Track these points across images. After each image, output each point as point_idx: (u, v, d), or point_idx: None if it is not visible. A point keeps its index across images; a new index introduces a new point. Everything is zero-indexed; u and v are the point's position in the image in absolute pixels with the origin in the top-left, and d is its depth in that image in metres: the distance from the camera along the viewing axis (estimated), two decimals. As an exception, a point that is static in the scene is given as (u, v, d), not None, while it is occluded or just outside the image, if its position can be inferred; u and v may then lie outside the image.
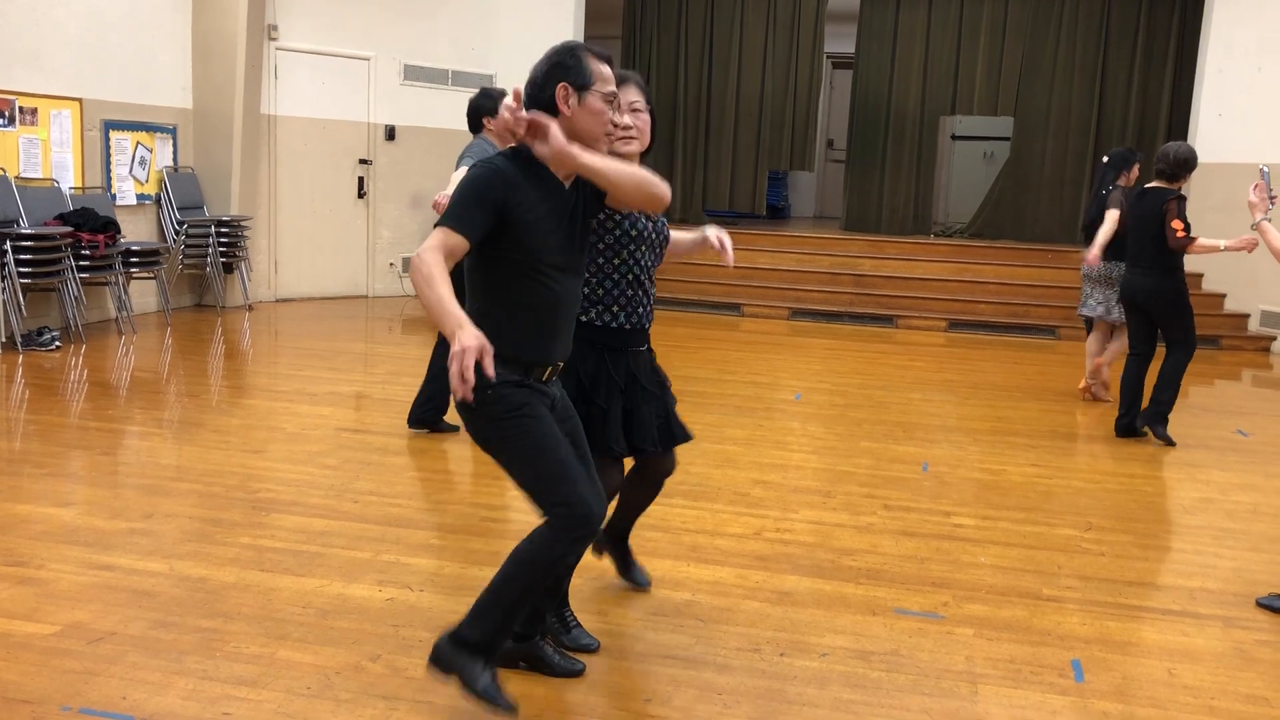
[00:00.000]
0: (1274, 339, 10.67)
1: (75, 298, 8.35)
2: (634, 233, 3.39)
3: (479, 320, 2.78)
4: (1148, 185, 6.68)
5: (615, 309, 3.40)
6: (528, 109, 2.90)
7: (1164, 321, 6.63)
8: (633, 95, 3.36)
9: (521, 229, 2.83)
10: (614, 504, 3.65)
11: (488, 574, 3.95)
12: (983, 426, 6.90)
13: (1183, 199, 6.46)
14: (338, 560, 4.13)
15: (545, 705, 3.11)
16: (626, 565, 4.00)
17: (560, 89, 2.90)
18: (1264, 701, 3.36)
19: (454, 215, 2.79)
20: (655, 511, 4.77)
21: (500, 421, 2.88)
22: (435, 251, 2.72)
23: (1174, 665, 3.58)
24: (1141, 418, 6.67)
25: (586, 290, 3.38)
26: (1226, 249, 6.24)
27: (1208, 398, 8.59)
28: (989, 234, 13.26)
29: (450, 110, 10.55)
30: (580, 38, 12.51)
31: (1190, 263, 11.65)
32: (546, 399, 2.98)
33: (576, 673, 3.27)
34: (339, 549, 4.25)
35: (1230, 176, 10.16)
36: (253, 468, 5.32)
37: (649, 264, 3.45)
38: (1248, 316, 10.96)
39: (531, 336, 2.92)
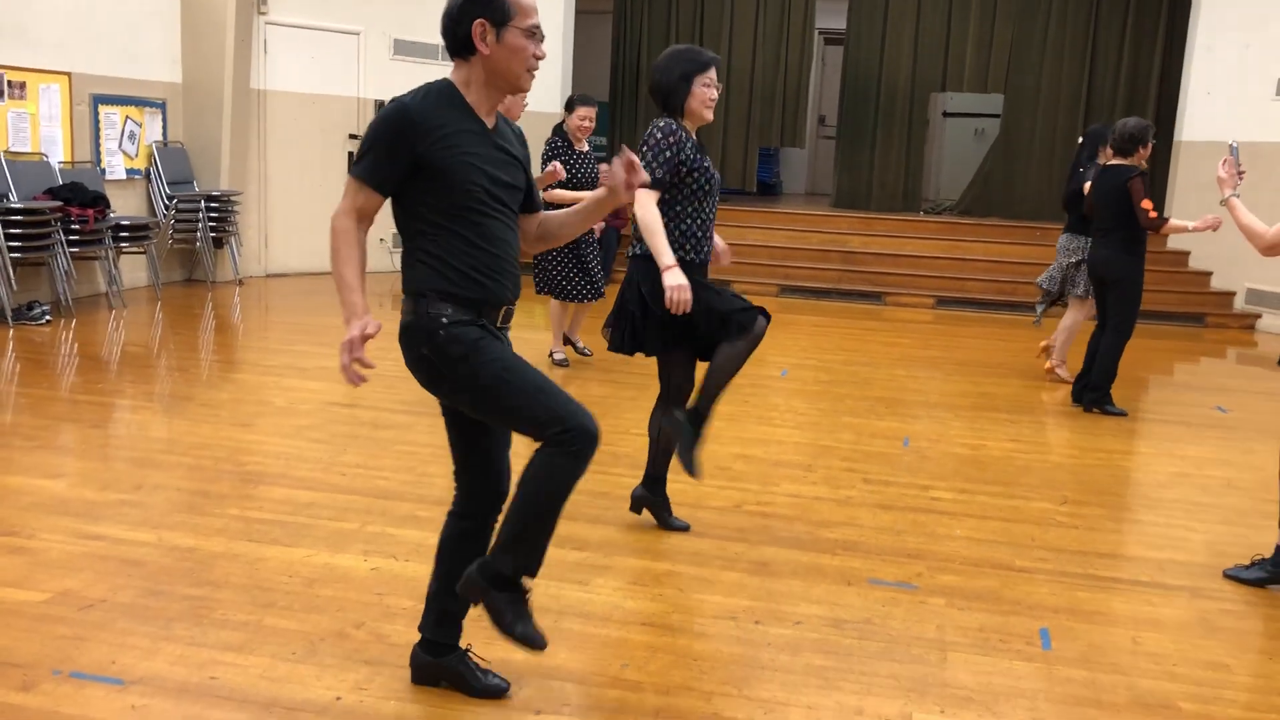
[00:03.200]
0: (1259, 317, 10.76)
1: (65, 272, 8.39)
2: (710, 184, 4.10)
3: (420, 262, 2.74)
4: (1109, 162, 6.75)
5: (700, 245, 4.13)
6: (447, 49, 2.78)
7: (1107, 295, 6.78)
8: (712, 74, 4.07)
9: (443, 165, 2.69)
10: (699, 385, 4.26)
11: (471, 544, 4.03)
12: (965, 402, 6.99)
13: (1144, 175, 6.54)
14: (324, 531, 4.21)
15: (525, 669, 3.19)
16: (664, 514, 4.45)
17: (477, 25, 2.70)
18: (1224, 668, 3.46)
19: (363, 166, 2.70)
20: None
21: (463, 360, 2.73)
22: (346, 217, 2.69)
23: (1139, 634, 3.67)
24: (1085, 403, 6.82)
25: (675, 231, 4.03)
26: (1194, 229, 6.38)
27: (1190, 375, 8.69)
28: (978, 211, 13.32)
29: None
30: (571, 14, 12.50)
31: (1176, 241, 11.84)
32: (490, 334, 2.82)
33: (500, 691, 3.04)
34: (326, 520, 4.32)
35: (1218, 154, 10.16)
36: (241, 441, 5.39)
37: (714, 210, 4.20)
38: (1233, 294, 11.06)
39: (476, 273, 2.77)
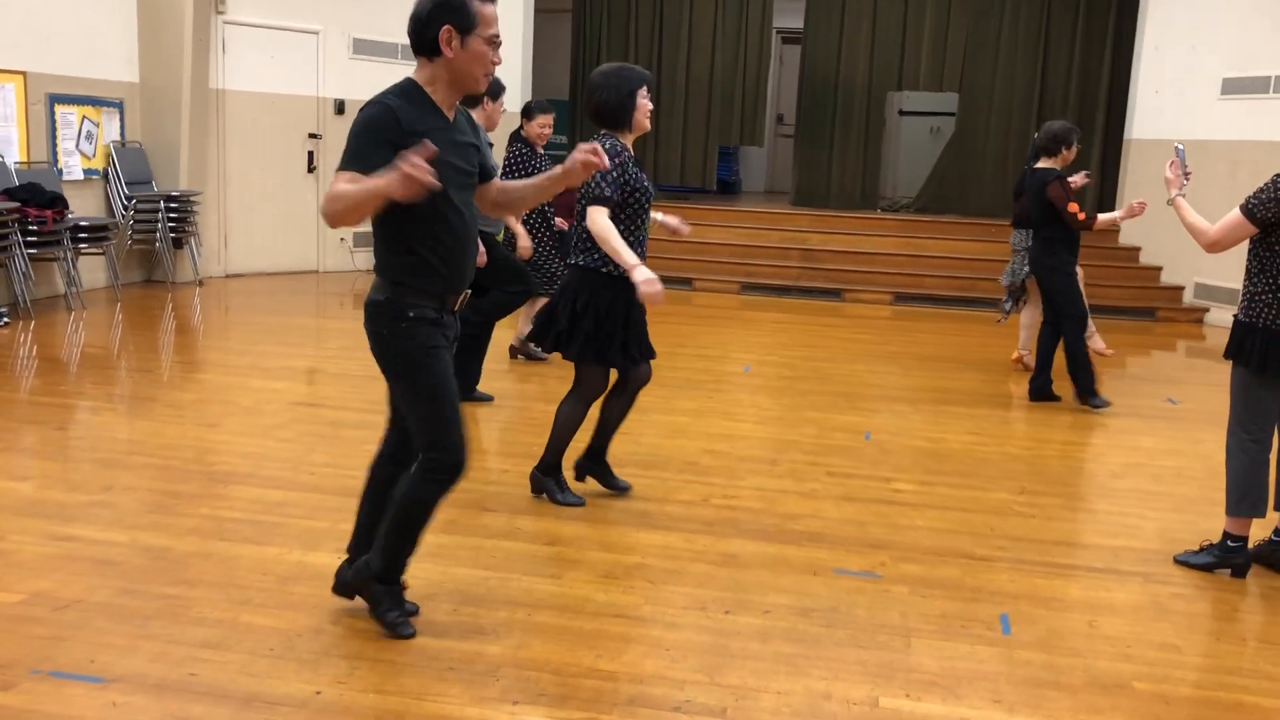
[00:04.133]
0: (1207, 310, 11.01)
1: (23, 274, 8.31)
2: (647, 200, 4.35)
3: (395, 260, 3.04)
4: (1036, 164, 6.93)
5: (639, 253, 4.27)
6: (412, 47, 3.01)
7: (1050, 290, 6.95)
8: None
9: None
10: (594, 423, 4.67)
11: (442, 540, 4.11)
12: (924, 396, 7.12)
13: (1063, 178, 6.74)
14: (296, 529, 4.24)
15: (500, 660, 3.25)
16: (608, 477, 4.80)
17: (444, 30, 2.93)
18: (1175, 649, 3.59)
19: (354, 156, 2.91)
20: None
21: (409, 357, 3.10)
22: (338, 185, 2.85)
23: (1095, 618, 3.80)
24: (1078, 398, 6.96)
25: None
26: (1122, 218, 6.75)
27: (1142, 367, 8.90)
28: (935, 209, 13.51)
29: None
30: (531, 12, 12.54)
31: (1127, 238, 12.09)
32: (450, 333, 3.19)
33: (401, 629, 3.35)
34: (297, 519, 4.35)
35: (1166, 153, 10.38)
36: (209, 441, 5.39)
37: (648, 221, 4.44)
38: (1183, 289, 11.31)
39: (447, 265, 3.09)
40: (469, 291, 3.25)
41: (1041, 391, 7.03)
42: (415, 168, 2.70)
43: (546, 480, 4.68)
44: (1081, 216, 6.62)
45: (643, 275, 4.11)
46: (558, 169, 3.24)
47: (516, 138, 7.15)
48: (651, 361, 4.62)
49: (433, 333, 3.12)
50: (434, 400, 3.13)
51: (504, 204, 3.45)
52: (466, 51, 2.98)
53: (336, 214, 2.86)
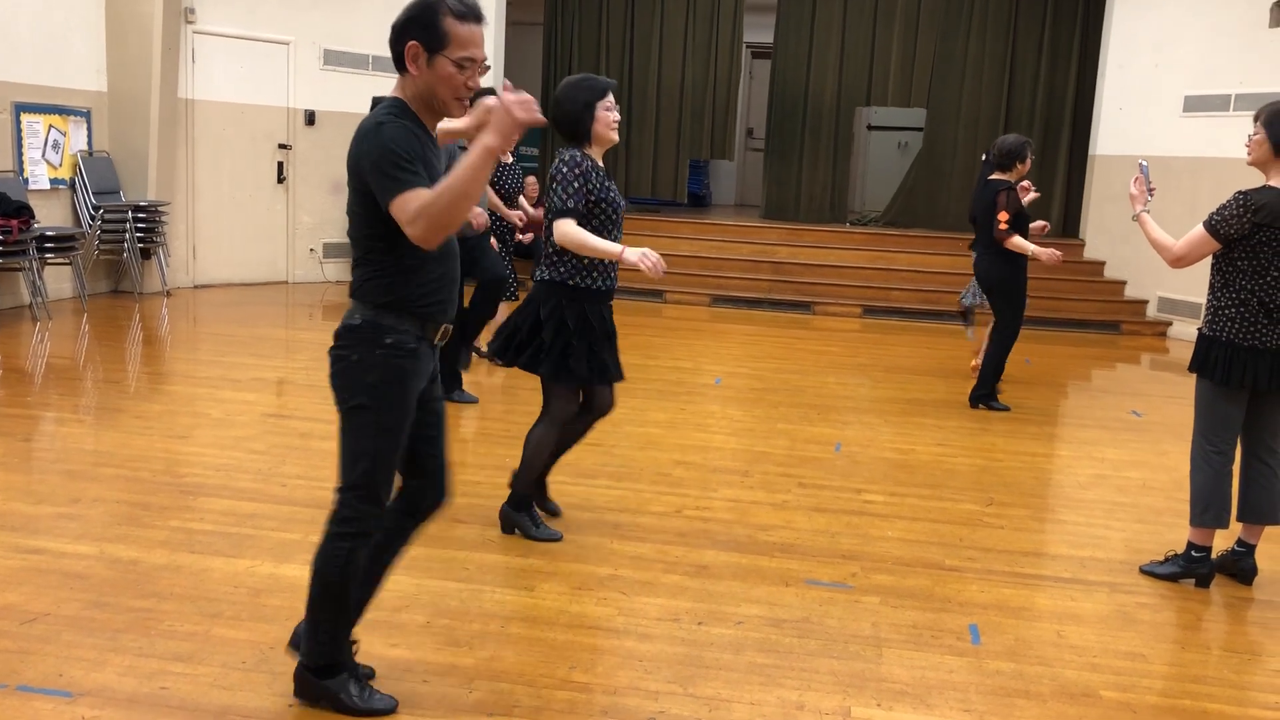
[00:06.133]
0: (1170, 324, 11.17)
1: (-12, 283, 8.21)
2: (617, 213, 4.27)
3: (380, 278, 2.80)
4: (990, 177, 7.07)
5: (607, 273, 4.27)
6: (392, 58, 2.80)
7: (992, 302, 7.17)
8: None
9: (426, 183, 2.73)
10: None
11: (415, 553, 4.09)
12: (894, 408, 7.18)
13: (1011, 190, 6.90)
14: (268, 542, 4.22)
15: (474, 674, 3.25)
16: (542, 499, 4.66)
17: (410, 46, 2.73)
18: (1141, 658, 3.64)
19: (413, 175, 2.67)
20: (579, 492, 4.96)
21: (373, 388, 2.82)
22: (419, 194, 2.64)
23: (1062, 628, 3.85)
24: (972, 400, 7.20)
25: (584, 261, 4.18)
26: (1034, 256, 6.81)
27: (1106, 380, 9.01)
28: (903, 222, 13.62)
29: (371, 95, 10.48)
30: (502, 24, 12.56)
31: (1092, 252, 12.25)
32: (427, 367, 2.93)
33: (389, 709, 3.03)
34: (269, 531, 4.33)
35: (1130, 168, 10.56)
36: (178, 453, 5.36)
37: (620, 234, 4.33)
38: (1146, 303, 11.47)
39: (435, 291, 2.87)
40: (449, 326, 2.98)
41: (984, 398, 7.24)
42: (524, 101, 2.57)
43: (519, 516, 4.45)
44: (1004, 227, 6.76)
45: (635, 254, 4.01)
46: (486, 134, 2.66)
47: None
48: (620, 378, 4.40)
49: (407, 366, 2.86)
50: (383, 436, 2.85)
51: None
52: (432, 71, 2.74)
53: (444, 213, 2.61)
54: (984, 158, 8.37)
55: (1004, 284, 7.02)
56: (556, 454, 4.59)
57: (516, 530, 4.46)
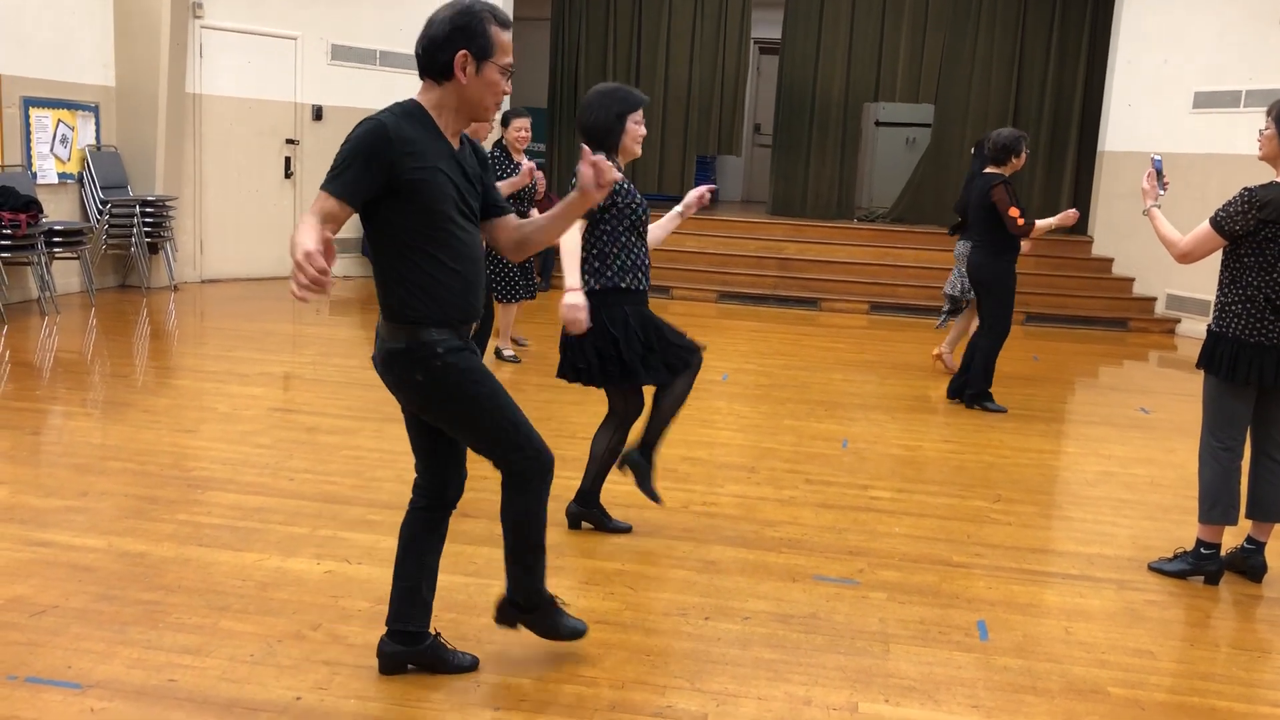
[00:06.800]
0: (1178, 321, 11.14)
1: (-4, 277, 8.24)
2: (644, 216, 4.25)
3: (401, 287, 2.86)
4: (984, 170, 7.03)
5: (640, 274, 4.25)
6: (420, 68, 2.88)
7: (981, 298, 7.11)
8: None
9: (416, 184, 2.79)
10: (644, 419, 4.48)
11: (424, 546, 4.08)
12: (900, 405, 7.17)
13: (1009, 184, 6.84)
14: (275, 535, 4.22)
15: (483, 667, 3.25)
16: (604, 520, 4.54)
17: (460, 56, 2.81)
18: (1149, 655, 3.63)
19: (338, 180, 2.73)
20: (586, 486, 4.93)
21: (459, 386, 2.92)
22: (311, 216, 2.67)
23: (1071, 624, 3.84)
24: (966, 400, 7.14)
25: (617, 263, 4.16)
26: (1056, 224, 6.87)
27: (1114, 377, 8.99)
28: (910, 219, 13.59)
29: (378, 90, 10.56)
30: (510, 19, 12.52)
31: (1100, 249, 12.21)
32: (477, 357, 3.03)
33: (469, 667, 3.23)
34: (276, 525, 4.34)
35: (1139, 165, 10.57)
36: (185, 447, 5.36)
37: (646, 236, 4.34)
38: (1155, 300, 11.44)
39: (456, 292, 2.90)
40: (478, 322, 3.13)
41: (959, 390, 7.21)
42: (298, 273, 2.44)
43: (591, 512, 4.50)
44: (1021, 222, 6.74)
45: (572, 299, 3.99)
46: (573, 194, 2.95)
47: (497, 145, 7.20)
48: (683, 367, 4.36)
49: (468, 356, 2.96)
50: (498, 411, 2.98)
51: (523, 242, 3.14)
52: (481, 79, 2.84)
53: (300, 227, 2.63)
54: (973, 150, 8.36)
55: (995, 282, 6.94)
56: (602, 468, 4.51)
57: (585, 524, 4.53)
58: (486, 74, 2.86)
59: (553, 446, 3.15)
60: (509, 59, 2.90)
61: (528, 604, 3.25)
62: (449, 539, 4.22)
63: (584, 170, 2.87)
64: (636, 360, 4.18)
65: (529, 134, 7.25)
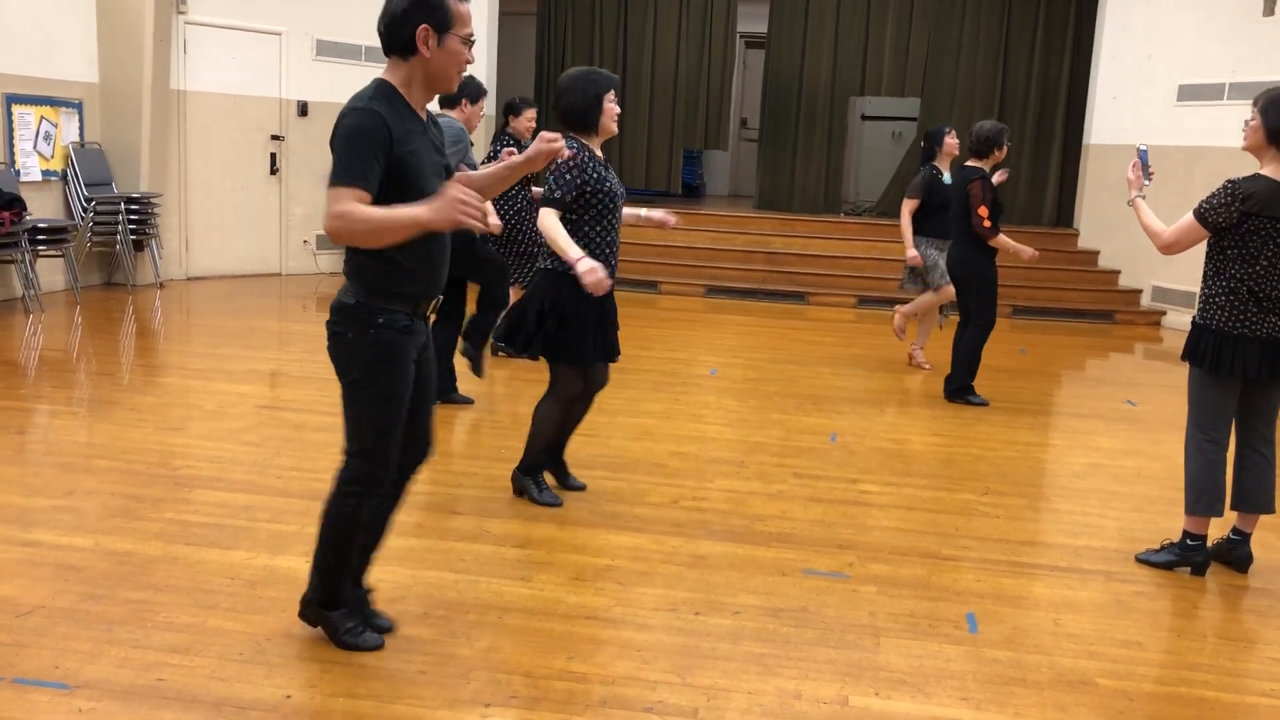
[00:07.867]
0: (1164, 313, 11.19)
1: (-20, 276, 8.18)
2: (615, 202, 4.39)
3: (370, 264, 2.96)
4: (965, 163, 7.01)
5: (607, 261, 4.36)
6: (384, 47, 2.96)
7: (963, 292, 7.07)
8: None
9: (407, 166, 2.90)
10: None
11: (411, 543, 4.10)
12: (888, 398, 7.18)
13: (987, 179, 6.83)
14: (264, 533, 4.21)
15: (471, 663, 3.25)
16: (564, 476, 4.88)
17: (421, 30, 2.89)
18: (1138, 646, 3.65)
19: (348, 170, 2.83)
20: (575, 482, 4.94)
21: (369, 365, 3.02)
22: (343, 206, 2.80)
23: (1059, 616, 3.85)
24: (948, 394, 7.11)
25: (587, 247, 4.26)
26: (1015, 253, 6.88)
27: (1100, 370, 9.02)
28: (896, 212, 13.52)
29: (363, 86, 10.49)
30: (495, 15, 12.51)
31: (1086, 241, 12.25)
32: (419, 340, 3.13)
33: (374, 646, 3.28)
34: (264, 523, 4.32)
35: (1124, 157, 10.53)
36: (172, 445, 5.34)
37: (619, 222, 4.51)
38: (1140, 292, 11.48)
39: (424, 271, 3.04)
40: (440, 298, 3.25)
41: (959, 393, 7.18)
42: (466, 204, 2.73)
43: (526, 480, 4.74)
44: (988, 224, 6.70)
45: (585, 265, 4.16)
46: (518, 156, 3.27)
47: (502, 135, 7.17)
48: (615, 364, 4.73)
49: (401, 341, 3.04)
50: (383, 407, 3.06)
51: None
52: (443, 50, 2.93)
53: (356, 235, 2.81)
54: (922, 143, 8.33)
55: (976, 277, 6.91)
56: (567, 429, 4.80)
57: (524, 495, 4.72)
58: (448, 45, 2.94)
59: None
60: (469, 29, 2.98)
61: (317, 599, 3.27)
62: (438, 536, 4.25)
63: (541, 144, 3.23)
64: (586, 343, 4.42)
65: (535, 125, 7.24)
